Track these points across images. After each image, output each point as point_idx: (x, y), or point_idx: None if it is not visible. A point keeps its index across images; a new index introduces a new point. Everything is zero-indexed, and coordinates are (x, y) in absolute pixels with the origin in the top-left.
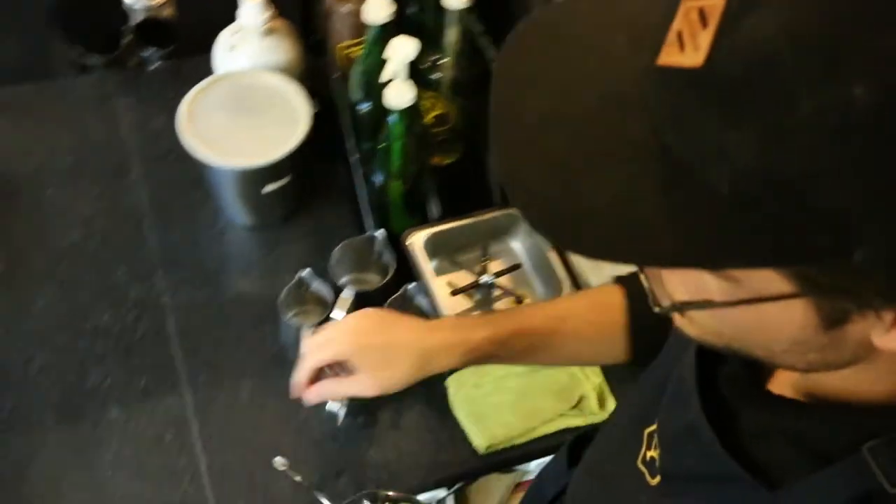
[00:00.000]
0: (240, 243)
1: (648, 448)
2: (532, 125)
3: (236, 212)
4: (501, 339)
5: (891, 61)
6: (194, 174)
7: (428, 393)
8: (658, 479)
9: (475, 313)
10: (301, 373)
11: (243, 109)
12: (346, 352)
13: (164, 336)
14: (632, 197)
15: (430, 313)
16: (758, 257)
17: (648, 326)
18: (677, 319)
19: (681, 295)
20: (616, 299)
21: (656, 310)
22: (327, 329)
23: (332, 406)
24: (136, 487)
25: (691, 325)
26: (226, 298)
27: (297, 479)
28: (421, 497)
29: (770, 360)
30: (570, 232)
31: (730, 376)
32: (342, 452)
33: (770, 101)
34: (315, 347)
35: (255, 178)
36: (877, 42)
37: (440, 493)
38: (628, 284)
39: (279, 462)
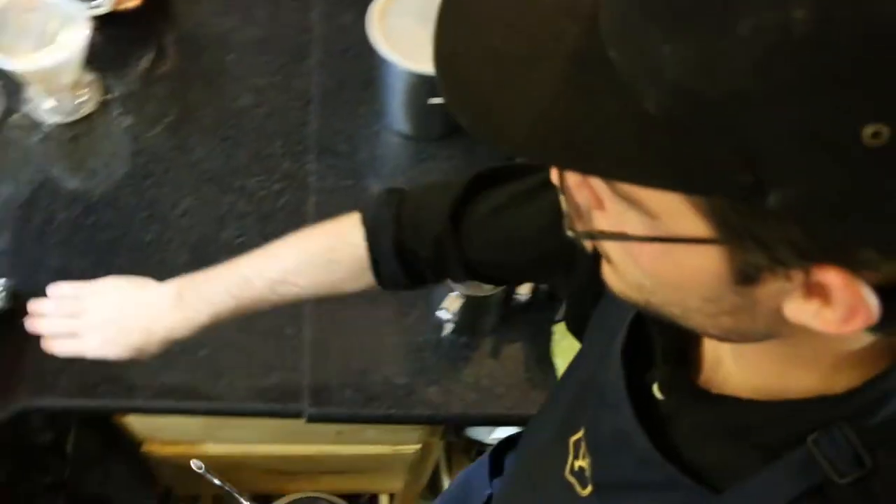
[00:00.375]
0: (392, 148)
1: (576, 457)
2: (478, 21)
3: (397, 118)
4: (222, 319)
5: None
6: (366, 76)
7: (534, 332)
8: (590, 489)
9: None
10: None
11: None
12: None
13: (301, 212)
14: (560, 100)
15: None
16: (670, 180)
17: (392, 257)
18: (604, 270)
19: (599, 225)
20: (353, 238)
21: (569, 233)
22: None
23: (442, 314)
24: (243, 340)
25: (615, 274)
26: (365, 195)
27: (216, 482)
28: (493, 436)
29: (685, 320)
30: (493, 122)
31: (663, 376)
32: (438, 364)
33: (709, 18)
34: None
35: (425, 86)
36: None
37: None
38: (367, 211)
39: (195, 464)
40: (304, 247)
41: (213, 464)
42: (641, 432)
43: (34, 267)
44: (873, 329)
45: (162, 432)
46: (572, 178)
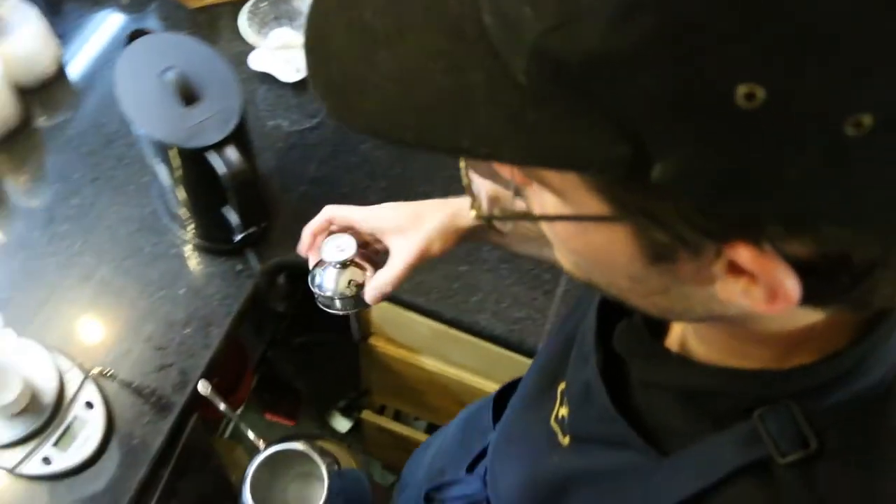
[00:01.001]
0: None
1: (561, 405)
2: None
3: None
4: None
5: None
6: None
7: None
8: (568, 439)
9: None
10: (312, 223)
11: None
12: (363, 209)
13: None
14: (423, 74)
15: None
16: (540, 157)
17: None
18: (556, 253)
19: (528, 206)
20: None
21: (472, 215)
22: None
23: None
24: (504, 270)
25: (558, 254)
26: None
27: (221, 406)
28: None
29: (624, 300)
30: (347, 99)
31: (624, 328)
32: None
33: None
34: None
35: None
36: None
37: None
38: None
39: (201, 386)
40: None
41: (425, 377)
42: (601, 385)
43: None
44: (803, 303)
45: (392, 329)
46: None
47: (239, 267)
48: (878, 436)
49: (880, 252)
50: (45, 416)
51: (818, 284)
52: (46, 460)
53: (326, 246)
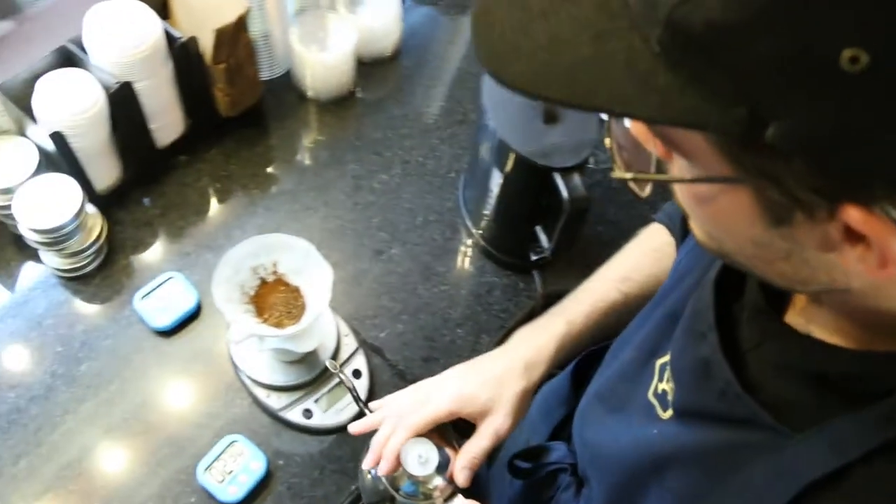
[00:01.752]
0: None
1: (660, 380)
2: None
3: None
4: (579, 327)
5: None
6: None
7: None
8: (670, 412)
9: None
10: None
11: None
12: (445, 405)
13: None
14: (575, 41)
15: None
16: (668, 116)
17: None
18: (689, 222)
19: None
20: (664, 237)
21: (613, 175)
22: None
23: None
24: None
25: (692, 223)
26: None
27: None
28: None
29: (751, 268)
30: (503, 60)
31: (749, 309)
32: None
33: None
34: (404, 414)
35: None
36: None
37: None
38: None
39: (330, 363)
40: (632, 250)
41: None
42: (725, 363)
43: None
44: None
45: None
46: (639, 131)
47: (522, 285)
48: None
49: None
50: (316, 372)
51: None
52: (307, 413)
53: (409, 457)
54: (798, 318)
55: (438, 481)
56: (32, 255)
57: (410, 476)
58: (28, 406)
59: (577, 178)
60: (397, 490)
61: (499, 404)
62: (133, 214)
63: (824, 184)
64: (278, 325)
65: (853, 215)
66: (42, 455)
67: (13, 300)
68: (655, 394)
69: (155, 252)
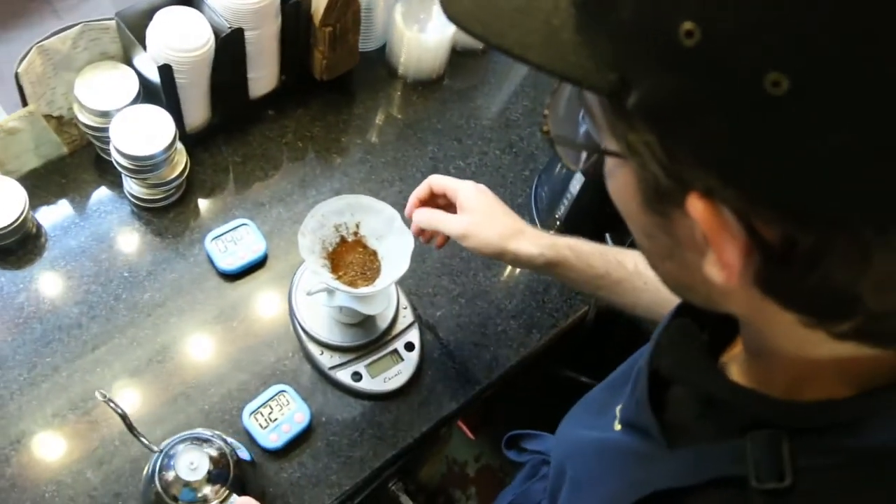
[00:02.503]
0: None
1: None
2: None
3: None
4: (577, 251)
5: None
6: None
7: None
8: (619, 426)
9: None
10: (417, 189)
11: None
12: (463, 186)
13: None
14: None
15: None
16: (556, 68)
17: None
18: None
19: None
20: None
21: (544, 129)
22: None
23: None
24: None
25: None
26: None
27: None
28: None
29: (652, 266)
30: (495, 27)
31: (678, 327)
32: None
33: None
34: (438, 177)
35: None
36: None
37: None
38: None
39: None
40: None
41: None
42: (645, 376)
43: None
44: (760, 287)
45: None
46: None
47: (576, 291)
48: (855, 497)
49: (814, 241)
50: (371, 338)
51: (768, 266)
52: (356, 375)
53: (180, 464)
54: (728, 357)
55: (209, 488)
56: (111, 180)
57: (185, 483)
58: (89, 324)
59: None
60: (176, 500)
61: (472, 219)
62: (214, 158)
63: (671, 164)
64: (351, 284)
65: (697, 207)
66: (94, 372)
67: (88, 220)
68: (620, 408)
69: (230, 197)
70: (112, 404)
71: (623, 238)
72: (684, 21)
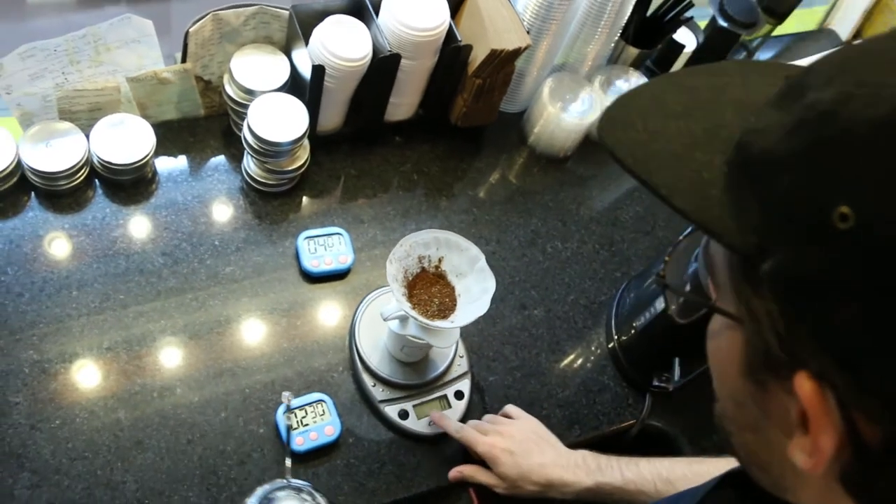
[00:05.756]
0: None
1: None
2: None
3: None
4: (616, 489)
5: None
6: None
7: None
8: None
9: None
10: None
11: None
12: (500, 459)
13: None
14: (673, 140)
15: None
16: (700, 219)
17: None
18: None
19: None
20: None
21: (660, 273)
22: (501, 426)
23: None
24: None
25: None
26: None
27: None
28: None
29: (727, 434)
30: (617, 132)
31: (725, 501)
32: None
33: (790, 91)
34: (484, 439)
35: None
36: None
37: None
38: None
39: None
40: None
41: None
42: None
43: None
44: (847, 487)
45: None
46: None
47: (631, 401)
48: None
49: None
50: (424, 380)
51: (859, 463)
52: (403, 414)
53: None
54: None
55: None
56: (233, 154)
57: None
58: (168, 276)
59: None
60: None
61: (509, 482)
62: (333, 164)
63: (789, 338)
64: (425, 317)
65: (804, 386)
66: (158, 322)
67: (200, 182)
68: None
69: (334, 204)
70: (290, 412)
71: (693, 367)
72: (841, 204)
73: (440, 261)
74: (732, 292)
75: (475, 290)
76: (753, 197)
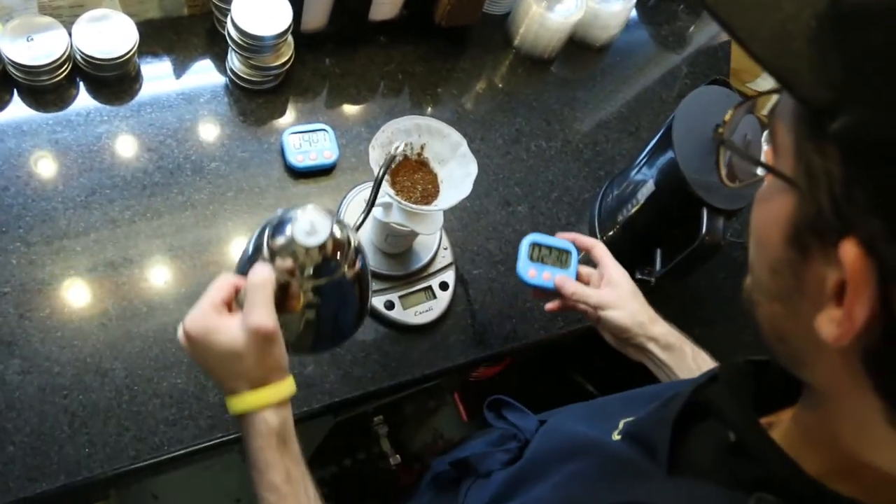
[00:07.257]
0: None
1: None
2: None
3: None
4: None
5: None
6: None
7: None
8: (619, 437)
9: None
10: (579, 237)
11: None
12: (616, 264)
13: None
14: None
15: None
16: (774, 65)
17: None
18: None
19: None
20: None
21: (719, 129)
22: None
23: None
24: None
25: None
26: None
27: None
28: None
29: (755, 303)
30: (731, 8)
31: (736, 369)
32: None
33: None
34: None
35: None
36: None
37: None
38: None
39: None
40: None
41: None
42: (682, 401)
43: None
44: (868, 364)
45: None
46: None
47: None
48: None
49: None
50: (408, 270)
51: (885, 341)
52: (389, 304)
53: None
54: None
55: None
56: (217, 53)
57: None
58: (154, 172)
59: (721, 222)
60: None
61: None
62: (317, 62)
63: (845, 201)
64: (409, 202)
65: (850, 252)
66: (144, 217)
67: (184, 80)
68: (624, 422)
69: (319, 103)
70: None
71: (673, 256)
72: None
73: (423, 147)
74: (793, 152)
75: (458, 175)
76: (838, 51)
